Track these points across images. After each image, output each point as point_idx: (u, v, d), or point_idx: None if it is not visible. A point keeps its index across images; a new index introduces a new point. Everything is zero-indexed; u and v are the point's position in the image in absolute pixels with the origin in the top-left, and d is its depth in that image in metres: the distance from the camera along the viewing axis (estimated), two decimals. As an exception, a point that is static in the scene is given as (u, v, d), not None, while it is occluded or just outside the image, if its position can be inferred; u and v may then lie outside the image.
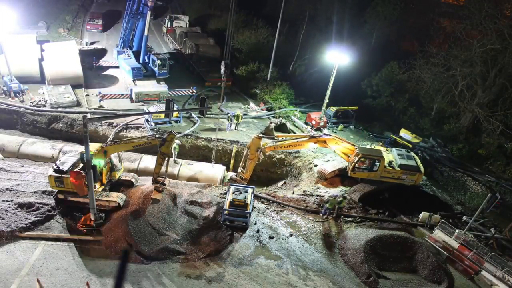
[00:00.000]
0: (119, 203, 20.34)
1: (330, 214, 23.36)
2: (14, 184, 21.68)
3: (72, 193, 20.09)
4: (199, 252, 19.52)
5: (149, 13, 34.17)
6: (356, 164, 24.88)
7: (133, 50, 38.16)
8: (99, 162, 19.82)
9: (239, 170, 25.58)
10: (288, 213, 23.46)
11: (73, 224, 19.72)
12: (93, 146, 19.98)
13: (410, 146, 30.77)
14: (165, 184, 22.45)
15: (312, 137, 25.37)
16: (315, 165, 28.67)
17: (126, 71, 37.14)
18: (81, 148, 21.32)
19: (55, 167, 19.95)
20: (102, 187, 21.09)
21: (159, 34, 53.99)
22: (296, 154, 30.24)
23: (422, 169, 25.58)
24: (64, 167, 19.91)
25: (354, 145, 25.64)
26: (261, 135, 24.67)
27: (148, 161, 25.81)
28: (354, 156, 25.04)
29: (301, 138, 25.39)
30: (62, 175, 19.68)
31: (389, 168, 25.18)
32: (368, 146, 28.50)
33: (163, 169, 22.17)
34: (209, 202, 22.31)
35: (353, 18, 44.77)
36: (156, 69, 37.61)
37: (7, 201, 20.23)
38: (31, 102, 31.10)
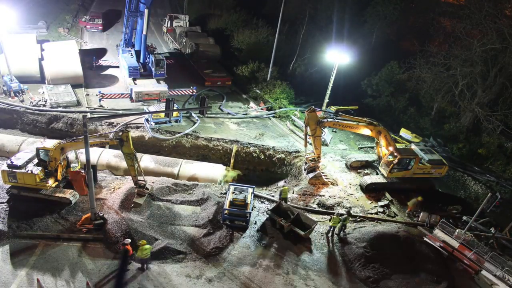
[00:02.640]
0: (70, 201, 20.48)
1: (332, 234, 22.02)
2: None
3: (25, 188, 20.17)
4: (199, 252, 19.53)
5: (146, 11, 34.15)
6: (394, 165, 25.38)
7: (135, 49, 38.12)
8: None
9: (306, 156, 26.86)
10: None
11: (72, 223, 19.76)
12: (50, 143, 20.21)
13: None
14: (148, 188, 22.04)
15: (370, 123, 25.67)
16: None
17: (125, 70, 37.15)
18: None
19: (9, 162, 20.01)
20: (56, 183, 21.06)
21: (159, 33, 53.97)
22: (296, 154, 30.23)
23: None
24: (19, 163, 19.97)
25: (395, 146, 25.92)
26: (312, 107, 25.22)
27: (148, 161, 25.83)
28: (389, 156, 25.59)
29: (360, 122, 25.82)
30: (15, 170, 19.70)
31: (420, 164, 25.69)
32: (364, 146, 28.63)
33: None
34: (208, 202, 22.32)
35: (353, 18, 44.75)
36: (153, 69, 37.69)
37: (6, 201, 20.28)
38: (31, 102, 31.10)
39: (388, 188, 26.15)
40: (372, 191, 26.04)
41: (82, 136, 18.21)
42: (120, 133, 20.08)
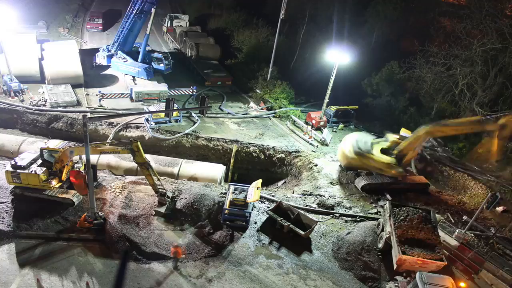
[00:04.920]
0: (73, 202, 20.39)
1: None
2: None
3: (28, 188, 20.10)
4: (199, 252, 19.52)
5: (153, 10, 34.61)
6: None
7: (124, 51, 38.22)
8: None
9: None
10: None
11: (73, 223, 19.75)
12: (54, 143, 20.51)
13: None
14: (169, 197, 21.37)
15: None
16: (315, 165, 28.66)
17: (134, 73, 37.33)
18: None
19: (13, 162, 19.89)
20: (60, 183, 20.91)
21: (159, 33, 53.97)
22: (296, 154, 30.22)
23: None
24: (23, 163, 19.84)
25: None
26: None
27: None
28: None
29: None
30: (19, 171, 19.59)
31: None
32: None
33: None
34: (208, 201, 22.32)
35: (353, 18, 44.72)
36: (162, 65, 38.76)
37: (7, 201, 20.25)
38: (31, 102, 31.10)
39: (383, 189, 26.13)
40: (368, 191, 25.98)
41: (96, 143, 18.46)
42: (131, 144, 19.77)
